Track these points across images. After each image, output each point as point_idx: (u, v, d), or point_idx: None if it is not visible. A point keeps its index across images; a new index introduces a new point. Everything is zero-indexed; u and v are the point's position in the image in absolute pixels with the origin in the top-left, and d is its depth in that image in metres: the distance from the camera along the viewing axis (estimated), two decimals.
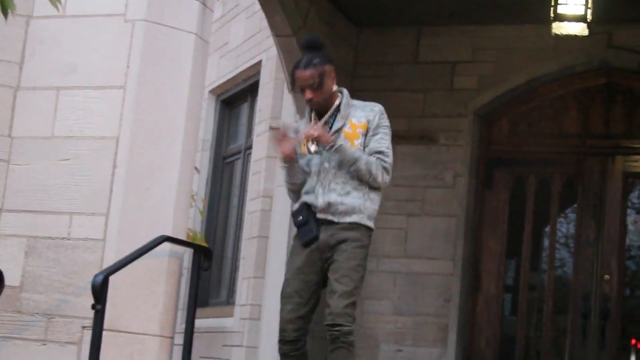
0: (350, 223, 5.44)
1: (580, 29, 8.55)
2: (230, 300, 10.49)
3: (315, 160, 5.51)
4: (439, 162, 9.61)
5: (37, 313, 5.71)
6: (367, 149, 5.48)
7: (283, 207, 9.22)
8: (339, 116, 5.53)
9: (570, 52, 9.39)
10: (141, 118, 5.83)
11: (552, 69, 9.53)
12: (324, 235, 5.43)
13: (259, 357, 9.32)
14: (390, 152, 5.52)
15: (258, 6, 9.37)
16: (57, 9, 4.58)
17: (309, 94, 5.48)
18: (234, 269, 10.56)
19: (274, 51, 9.64)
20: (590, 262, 9.27)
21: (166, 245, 5.72)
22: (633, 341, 9.32)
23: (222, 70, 11.35)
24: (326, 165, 5.48)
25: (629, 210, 9.43)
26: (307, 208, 5.47)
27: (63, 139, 5.88)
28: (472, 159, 9.60)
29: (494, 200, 9.67)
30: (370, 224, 5.51)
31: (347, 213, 5.44)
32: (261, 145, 9.96)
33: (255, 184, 9.95)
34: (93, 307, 5.36)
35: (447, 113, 9.68)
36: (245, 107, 11.30)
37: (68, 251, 5.72)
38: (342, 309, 5.25)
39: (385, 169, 5.49)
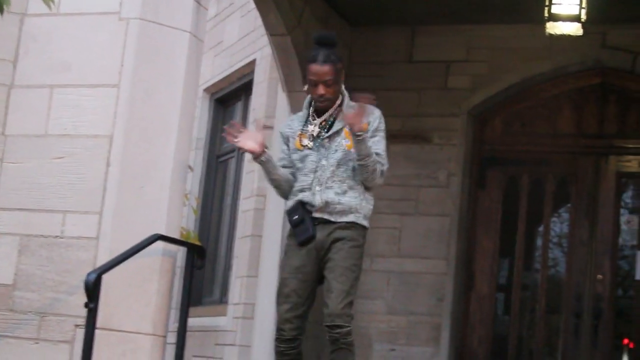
0: (347, 222, 5.45)
1: (574, 29, 8.55)
2: (223, 299, 10.48)
3: (312, 157, 5.50)
4: (432, 161, 9.62)
5: (30, 311, 5.71)
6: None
7: (277, 206, 9.22)
8: (340, 116, 5.54)
9: (564, 52, 9.40)
10: (135, 116, 5.83)
11: (546, 68, 9.54)
12: (321, 234, 5.43)
13: (252, 356, 9.32)
14: (385, 155, 5.55)
15: (252, 5, 9.37)
16: (50, 8, 4.58)
17: (322, 90, 5.47)
18: (227, 267, 10.56)
19: (268, 50, 9.64)
20: (583, 261, 9.28)
21: (159, 244, 5.72)
22: (625, 341, 9.33)
23: (217, 68, 11.34)
24: (324, 162, 5.48)
25: (622, 210, 9.44)
26: (302, 207, 5.47)
27: (57, 137, 5.87)
28: (465, 159, 9.61)
29: (487, 200, 9.68)
30: (366, 223, 5.53)
31: (344, 212, 5.45)
32: None
33: (249, 182, 9.95)
34: (86, 305, 5.36)
35: (441, 112, 9.68)
36: (239, 106, 11.29)
37: (61, 249, 5.72)
38: (340, 310, 5.28)
39: (381, 171, 5.53)
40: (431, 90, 9.75)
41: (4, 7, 4.18)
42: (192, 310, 6.67)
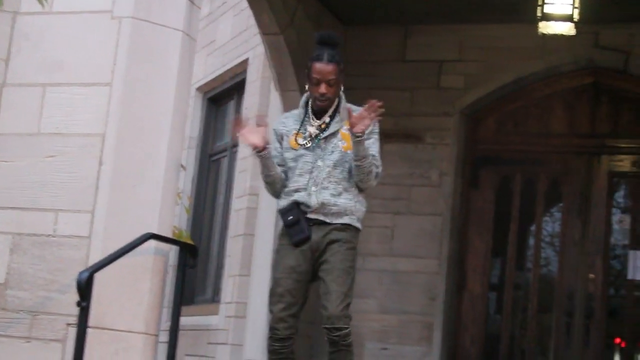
0: (342, 224, 5.47)
1: (567, 29, 8.56)
2: (215, 298, 10.48)
3: (308, 158, 5.50)
4: (425, 160, 9.62)
5: (21, 310, 5.70)
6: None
7: (269, 205, 9.21)
8: (337, 118, 5.54)
9: (557, 52, 9.41)
10: (127, 115, 5.82)
11: (539, 68, 9.55)
12: (316, 235, 5.44)
13: (244, 354, 9.32)
14: (379, 158, 5.57)
15: (245, 4, 9.37)
16: (43, 6, 4.58)
17: (324, 89, 5.47)
18: (220, 266, 10.56)
19: (261, 49, 9.64)
20: (576, 261, 9.29)
21: (152, 243, 5.72)
22: (617, 340, 9.35)
23: (209, 67, 11.34)
24: (320, 163, 5.47)
25: (614, 210, 9.46)
26: (297, 207, 5.46)
27: (49, 136, 5.87)
28: (458, 158, 9.62)
29: (479, 199, 9.68)
30: (359, 225, 5.55)
31: (339, 214, 5.47)
32: None
33: (242, 181, 9.95)
34: (78, 304, 5.35)
35: (434, 112, 9.68)
36: (231, 105, 11.29)
37: (53, 248, 5.71)
38: (340, 312, 5.32)
39: (376, 173, 5.54)
40: (424, 89, 9.76)
41: None
42: (184, 309, 6.66)
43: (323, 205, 5.44)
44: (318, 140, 5.51)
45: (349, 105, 5.51)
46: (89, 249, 5.66)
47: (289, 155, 5.56)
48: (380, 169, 5.56)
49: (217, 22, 11.34)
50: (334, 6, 9.68)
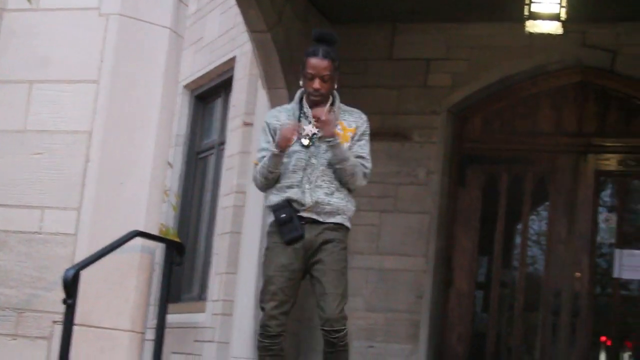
0: (334, 224, 5.49)
1: (554, 28, 8.58)
2: (202, 296, 10.47)
3: (301, 154, 5.49)
4: (412, 159, 9.63)
5: (7, 307, 5.68)
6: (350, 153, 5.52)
7: (256, 203, 9.21)
8: (332, 116, 5.54)
9: (544, 51, 9.42)
10: (114, 112, 5.81)
11: (526, 67, 9.57)
12: (309, 234, 5.44)
13: (231, 352, 9.31)
14: (370, 159, 5.60)
15: (233, 1, 9.35)
16: (30, 2, 4.57)
17: (317, 84, 5.48)
18: (207, 264, 10.55)
19: (248, 47, 9.63)
20: (562, 259, 9.31)
21: (138, 240, 5.72)
22: (603, 338, 9.38)
23: (197, 65, 11.33)
24: (314, 161, 5.47)
25: (600, 209, 9.48)
26: (290, 205, 5.46)
27: (36, 133, 5.85)
28: (445, 157, 9.63)
29: (466, 198, 9.70)
30: (350, 225, 5.57)
31: (331, 213, 5.48)
32: (235, 140, 9.94)
33: (229, 179, 9.94)
34: (64, 301, 5.34)
35: (421, 110, 9.69)
36: (219, 103, 11.28)
37: (40, 245, 5.70)
38: (337, 314, 5.36)
39: (364, 174, 5.57)
40: (411, 88, 9.76)
41: None
42: (171, 306, 6.66)
43: (317, 204, 5.45)
44: (314, 140, 5.50)
45: (346, 107, 5.54)
46: (76, 246, 5.65)
47: None
48: (368, 169, 5.59)
49: (204, 19, 11.32)
50: (321, 4, 9.68)
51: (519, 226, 9.71)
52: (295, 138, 5.42)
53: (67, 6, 5.97)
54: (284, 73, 9.09)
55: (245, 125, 9.77)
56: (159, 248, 6.25)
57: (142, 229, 5.72)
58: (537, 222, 9.97)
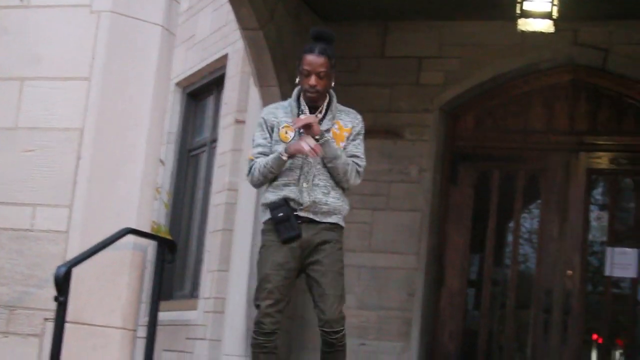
0: (330, 223, 5.51)
1: (546, 26, 8.59)
2: (194, 293, 10.47)
3: None
4: (404, 157, 9.64)
5: None
6: (344, 152, 5.53)
7: (248, 201, 9.21)
8: (329, 115, 5.56)
9: (536, 49, 9.44)
10: (106, 110, 5.80)
11: (518, 65, 9.58)
12: (307, 234, 5.45)
13: (223, 350, 9.31)
14: (364, 158, 5.61)
15: None
16: None
17: (313, 81, 5.48)
18: (198, 262, 10.55)
19: (240, 44, 9.63)
20: (553, 257, 9.32)
21: (130, 238, 5.70)
22: (594, 336, 9.40)
23: (189, 62, 11.32)
24: (310, 159, 5.47)
25: (591, 207, 9.51)
26: (287, 203, 5.46)
27: (27, 130, 5.84)
28: (437, 154, 9.64)
29: (458, 196, 9.71)
30: (344, 224, 5.58)
31: (328, 213, 5.50)
32: (227, 138, 9.94)
33: (221, 177, 9.94)
34: (56, 299, 5.33)
35: (413, 108, 9.70)
36: (211, 100, 11.27)
37: (31, 243, 5.68)
38: (337, 315, 5.42)
39: (358, 172, 5.58)
40: (403, 85, 9.77)
41: None
42: (162, 304, 6.65)
43: (314, 203, 5.45)
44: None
45: (342, 107, 5.57)
46: (67, 243, 5.64)
47: (279, 147, 5.55)
48: (362, 168, 5.60)
49: (196, 16, 11.32)
50: (313, 2, 9.68)
51: (511, 224, 9.73)
52: (306, 148, 5.41)
53: (59, 3, 5.96)
54: (276, 70, 9.10)
55: (237, 122, 9.77)
56: (150, 245, 6.23)
57: (134, 226, 5.71)
58: (529, 220, 9.99)
